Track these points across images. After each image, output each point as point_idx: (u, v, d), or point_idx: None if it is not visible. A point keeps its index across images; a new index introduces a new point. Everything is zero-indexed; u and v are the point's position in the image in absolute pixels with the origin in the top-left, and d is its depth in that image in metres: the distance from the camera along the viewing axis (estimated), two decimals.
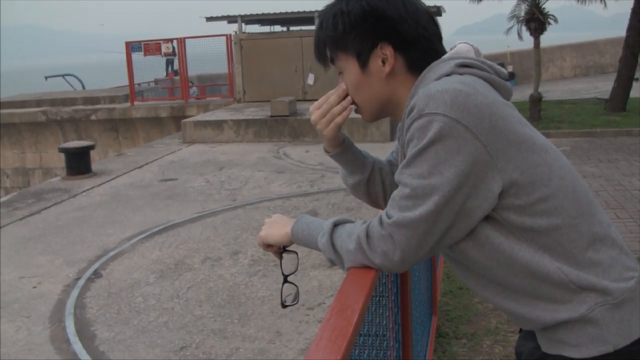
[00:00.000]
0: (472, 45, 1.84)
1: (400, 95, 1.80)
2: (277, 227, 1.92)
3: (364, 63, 1.79)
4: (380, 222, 1.61)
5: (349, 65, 1.82)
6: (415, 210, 1.55)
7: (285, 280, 1.93)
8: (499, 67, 1.79)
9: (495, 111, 1.58)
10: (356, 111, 1.92)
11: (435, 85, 1.60)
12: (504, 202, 1.60)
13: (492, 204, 1.59)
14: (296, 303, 1.96)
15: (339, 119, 1.90)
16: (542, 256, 1.64)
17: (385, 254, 1.60)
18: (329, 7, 1.84)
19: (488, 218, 1.63)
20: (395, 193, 1.62)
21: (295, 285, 1.93)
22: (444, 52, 1.83)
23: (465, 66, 1.70)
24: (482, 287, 1.78)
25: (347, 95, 1.88)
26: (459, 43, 1.86)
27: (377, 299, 2.04)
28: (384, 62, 1.77)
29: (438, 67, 1.72)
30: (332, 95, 1.89)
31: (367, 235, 1.63)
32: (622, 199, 8.95)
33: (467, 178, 1.54)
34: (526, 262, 1.64)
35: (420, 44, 1.78)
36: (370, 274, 1.63)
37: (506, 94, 1.75)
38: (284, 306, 1.95)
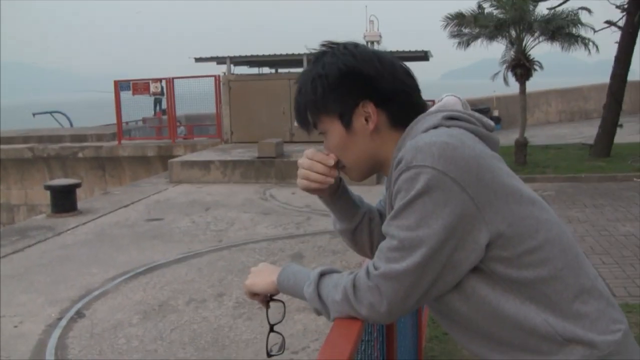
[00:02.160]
0: (458, 98, 1.86)
1: (386, 151, 1.82)
2: (263, 276, 1.91)
3: (347, 123, 1.81)
4: (367, 273, 1.61)
5: (333, 127, 1.83)
6: (403, 262, 1.56)
7: (272, 330, 1.92)
8: (486, 119, 1.81)
9: (483, 164, 1.60)
10: (343, 171, 1.92)
11: (423, 138, 1.62)
12: (490, 254, 1.61)
13: (479, 256, 1.60)
14: (282, 353, 1.94)
15: (313, 186, 1.90)
16: (529, 308, 1.63)
17: (371, 306, 1.60)
18: (305, 73, 1.86)
19: (475, 270, 1.63)
20: (383, 244, 1.62)
21: (281, 334, 1.92)
22: (424, 104, 1.85)
23: (452, 119, 1.72)
24: (468, 340, 1.78)
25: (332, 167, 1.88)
26: (446, 96, 1.88)
27: (363, 347, 2.02)
28: (367, 120, 1.79)
29: (425, 120, 1.74)
30: (319, 165, 1.88)
31: (354, 286, 1.63)
32: (607, 245, 8.98)
33: (455, 230, 1.55)
34: (512, 315, 1.64)
35: (400, 97, 1.80)
36: (357, 325, 1.62)
37: (493, 146, 1.77)
38: (269, 355, 1.93)
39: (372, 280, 1.59)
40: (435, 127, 1.70)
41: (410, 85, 1.83)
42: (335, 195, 2.02)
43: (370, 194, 2.29)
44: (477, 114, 1.80)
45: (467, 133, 1.69)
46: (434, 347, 5.64)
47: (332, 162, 1.88)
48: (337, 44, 1.86)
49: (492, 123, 1.84)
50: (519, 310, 1.63)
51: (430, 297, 1.65)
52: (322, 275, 1.74)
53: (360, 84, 1.78)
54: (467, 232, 1.56)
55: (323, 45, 1.88)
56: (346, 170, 1.91)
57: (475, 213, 1.56)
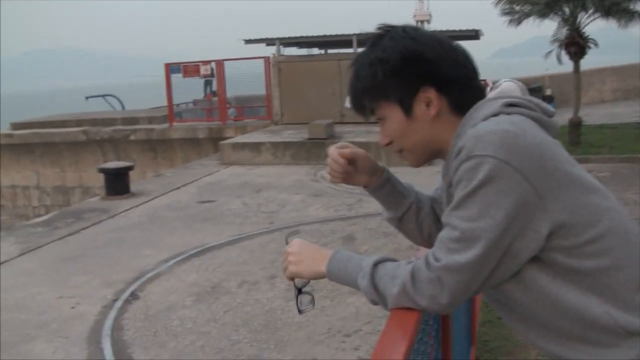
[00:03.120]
0: (517, 83, 1.82)
1: (446, 137, 1.77)
2: (309, 265, 1.87)
3: (407, 109, 1.76)
4: (427, 264, 1.58)
5: (392, 113, 1.79)
6: (465, 253, 1.53)
7: (300, 291, 1.89)
8: (545, 104, 1.76)
9: (545, 151, 1.56)
10: (401, 155, 1.88)
11: (484, 126, 1.59)
12: (551, 244, 1.57)
13: (539, 245, 1.56)
14: (312, 307, 1.92)
15: (337, 179, 1.98)
16: (590, 299, 1.59)
17: (432, 298, 1.58)
18: (362, 56, 1.81)
19: (535, 259, 1.59)
20: (443, 235, 1.59)
21: (310, 294, 1.90)
22: (482, 88, 1.81)
23: (512, 105, 1.68)
24: (525, 329, 1.74)
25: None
26: (504, 81, 1.84)
27: (419, 336, 2.00)
28: (428, 105, 1.75)
29: (485, 107, 1.70)
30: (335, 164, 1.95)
31: (413, 278, 1.60)
32: None
33: (516, 220, 1.51)
34: (572, 305, 1.60)
35: (461, 82, 1.76)
36: (414, 316, 1.60)
37: (553, 132, 1.72)
38: (300, 312, 1.91)
39: (433, 272, 1.57)
40: (495, 114, 1.65)
41: (470, 69, 1.79)
42: (378, 185, 2.02)
43: (419, 176, 2.26)
44: (536, 100, 1.75)
45: (527, 120, 1.64)
46: (487, 332, 5.59)
47: (342, 161, 1.93)
48: (395, 26, 1.81)
49: (552, 109, 1.79)
50: (580, 301, 1.59)
51: (488, 286, 1.63)
52: (375, 265, 1.71)
53: (422, 68, 1.73)
54: (528, 222, 1.53)
55: (379, 27, 1.82)
56: (404, 155, 1.87)
57: (537, 202, 1.52)
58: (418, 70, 1.73)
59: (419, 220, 2.06)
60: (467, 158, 1.54)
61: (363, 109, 1.85)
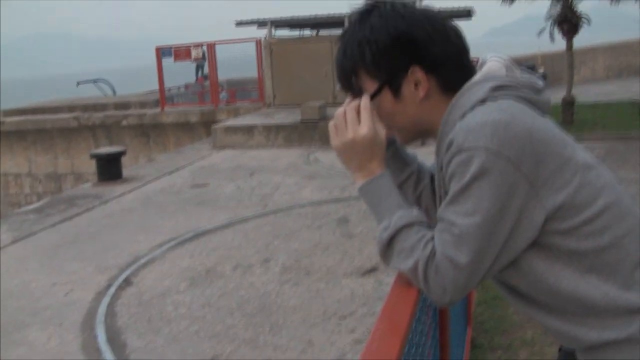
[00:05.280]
0: (503, 61, 1.77)
1: (436, 117, 1.73)
2: (351, 166, 1.84)
3: (396, 90, 1.73)
4: (434, 256, 1.56)
5: (381, 93, 1.75)
6: (464, 250, 1.51)
7: None
8: (533, 80, 1.73)
9: (536, 136, 1.53)
10: (390, 132, 1.84)
11: (473, 118, 1.55)
12: (548, 228, 1.55)
13: (536, 233, 1.55)
14: None
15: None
16: (588, 281, 1.57)
17: (435, 291, 1.57)
18: (350, 33, 1.77)
19: (532, 245, 1.58)
20: (443, 228, 1.56)
21: None
22: (472, 66, 1.76)
23: (499, 88, 1.64)
24: (524, 305, 1.73)
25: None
26: (490, 59, 1.79)
27: (417, 315, 1.99)
28: (417, 86, 1.71)
29: (471, 92, 1.66)
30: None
31: (426, 265, 1.57)
32: None
33: (511, 212, 1.50)
34: (571, 291, 1.58)
35: (451, 61, 1.72)
36: (413, 295, 1.59)
37: (544, 108, 1.70)
38: None
39: (440, 268, 1.55)
40: (482, 100, 1.61)
41: (461, 46, 1.74)
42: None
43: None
44: (522, 80, 1.70)
45: (515, 103, 1.61)
46: (483, 312, 5.59)
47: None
48: (384, 2, 1.75)
49: (540, 83, 1.75)
50: (578, 285, 1.57)
51: (487, 278, 1.62)
52: (402, 228, 1.65)
53: (411, 49, 1.68)
54: (523, 212, 1.52)
55: (367, 1, 1.77)
56: (392, 131, 1.84)
57: (530, 192, 1.51)
58: (407, 51, 1.69)
59: (417, 190, 2.02)
60: (458, 151, 1.52)
61: (351, 87, 1.81)
